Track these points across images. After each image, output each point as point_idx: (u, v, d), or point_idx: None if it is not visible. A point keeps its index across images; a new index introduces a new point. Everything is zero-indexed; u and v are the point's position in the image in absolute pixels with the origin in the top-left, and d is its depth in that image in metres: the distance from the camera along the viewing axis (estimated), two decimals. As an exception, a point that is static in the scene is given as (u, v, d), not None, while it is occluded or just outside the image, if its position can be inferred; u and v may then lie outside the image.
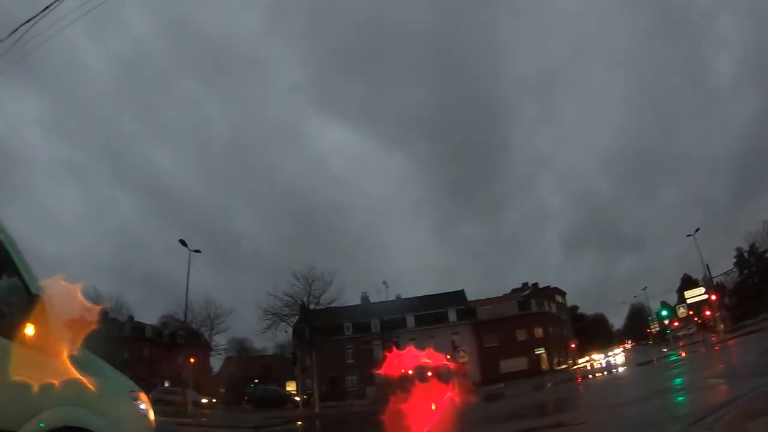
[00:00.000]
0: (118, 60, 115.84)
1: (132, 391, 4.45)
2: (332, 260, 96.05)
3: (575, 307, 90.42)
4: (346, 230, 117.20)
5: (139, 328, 61.74)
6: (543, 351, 61.36)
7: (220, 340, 67.04)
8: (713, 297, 46.49)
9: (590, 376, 34.59)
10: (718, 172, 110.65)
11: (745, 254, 66.09)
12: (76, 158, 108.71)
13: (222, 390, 60.08)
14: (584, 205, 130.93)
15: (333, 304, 54.74)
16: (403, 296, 66.58)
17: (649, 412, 10.70)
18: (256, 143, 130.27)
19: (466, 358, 45.93)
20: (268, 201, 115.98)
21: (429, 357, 44.34)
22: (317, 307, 54.46)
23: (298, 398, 43.17)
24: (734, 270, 66.17)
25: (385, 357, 51.00)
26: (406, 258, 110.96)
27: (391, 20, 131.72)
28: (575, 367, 59.47)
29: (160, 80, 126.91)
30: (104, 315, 54.29)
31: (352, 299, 62.86)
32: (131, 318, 60.92)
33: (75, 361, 3.80)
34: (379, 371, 47.53)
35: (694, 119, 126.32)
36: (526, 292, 68.85)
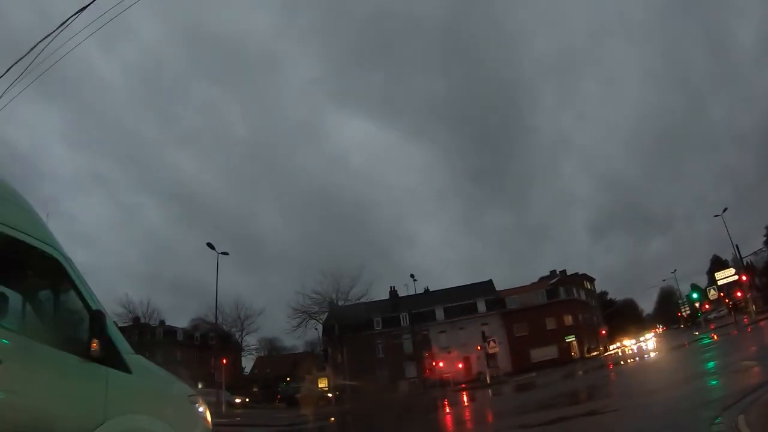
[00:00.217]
0: (135, 69, 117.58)
1: (191, 395, 4.69)
2: (359, 256, 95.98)
3: (604, 293, 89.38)
4: (372, 225, 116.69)
5: (171, 332, 63.14)
6: (573, 339, 60.77)
7: (250, 341, 68.87)
8: (744, 278, 45.57)
9: (622, 363, 34.25)
10: (746, 147, 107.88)
11: (775, 231, 64.51)
12: (101, 168, 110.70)
13: (254, 389, 61.31)
14: (610, 187, 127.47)
15: (361, 300, 55.59)
16: (432, 289, 66.64)
17: (683, 397, 10.71)
18: (277, 142, 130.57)
19: (496, 349, 45.95)
20: (292, 199, 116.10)
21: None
22: (346, 303, 55.19)
23: (330, 395, 43.66)
24: (764, 249, 64.51)
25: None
26: (433, 250, 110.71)
27: (404, 9, 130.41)
28: (606, 354, 58.79)
29: (178, 86, 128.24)
30: (136, 321, 56.04)
31: (381, 294, 63.47)
32: (162, 322, 62.38)
33: (135, 369, 4.04)
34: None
35: (720, 93, 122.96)
36: (554, 280, 68.18)
